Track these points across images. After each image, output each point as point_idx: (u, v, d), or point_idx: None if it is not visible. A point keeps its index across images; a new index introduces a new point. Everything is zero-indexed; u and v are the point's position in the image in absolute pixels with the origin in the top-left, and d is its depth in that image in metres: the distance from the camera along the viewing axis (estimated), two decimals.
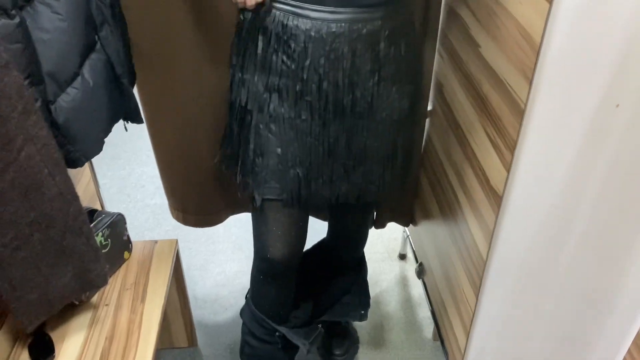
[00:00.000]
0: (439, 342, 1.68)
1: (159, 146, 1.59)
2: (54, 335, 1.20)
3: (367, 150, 1.22)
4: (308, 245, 1.56)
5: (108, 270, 1.24)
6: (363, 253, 1.64)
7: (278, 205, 1.23)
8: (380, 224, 1.79)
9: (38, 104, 1.04)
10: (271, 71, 1.13)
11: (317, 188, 1.23)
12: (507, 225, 1.08)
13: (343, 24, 1.08)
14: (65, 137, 1.12)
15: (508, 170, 1.03)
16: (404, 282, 1.91)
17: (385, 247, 2.06)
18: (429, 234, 1.67)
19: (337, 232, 1.56)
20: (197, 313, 1.77)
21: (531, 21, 0.92)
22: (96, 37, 1.18)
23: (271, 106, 1.15)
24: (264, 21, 1.12)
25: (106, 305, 1.28)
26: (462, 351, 1.36)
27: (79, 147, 1.15)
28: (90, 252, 1.15)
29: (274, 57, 1.12)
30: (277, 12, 1.10)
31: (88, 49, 1.15)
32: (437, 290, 1.60)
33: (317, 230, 1.61)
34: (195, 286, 1.90)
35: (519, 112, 0.96)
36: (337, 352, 1.64)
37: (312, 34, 1.08)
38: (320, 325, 1.54)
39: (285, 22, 1.09)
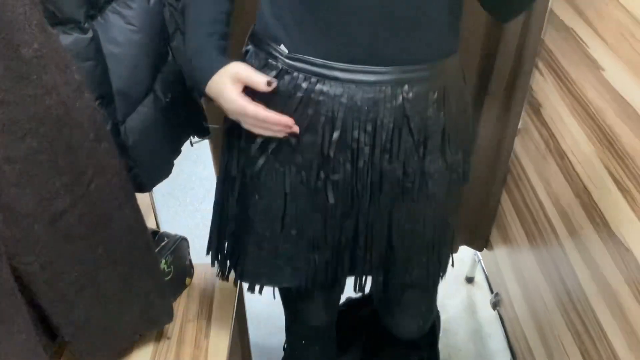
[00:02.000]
0: None
1: None
2: None
3: (410, 236, 0.99)
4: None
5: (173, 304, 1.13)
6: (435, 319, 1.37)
7: (299, 292, 1.07)
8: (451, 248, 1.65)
9: (108, 127, 0.93)
10: (288, 145, 0.91)
11: (346, 272, 1.03)
12: None
13: (383, 87, 0.86)
14: (133, 160, 1.01)
15: None
16: (471, 309, 1.78)
17: (450, 268, 1.92)
18: (509, 261, 1.53)
19: (384, 303, 1.24)
20: (252, 332, 1.67)
21: None
22: (168, 47, 1.06)
23: (287, 183, 0.93)
24: (280, 82, 0.88)
25: (168, 338, 1.18)
26: None
27: (148, 171, 1.04)
28: (157, 289, 1.04)
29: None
30: (296, 73, 0.87)
31: (160, 62, 1.03)
32: (518, 324, 1.46)
33: None
34: (249, 302, 1.79)
35: None
36: None
37: (344, 100, 0.86)
38: None
39: (306, 87, 0.86)
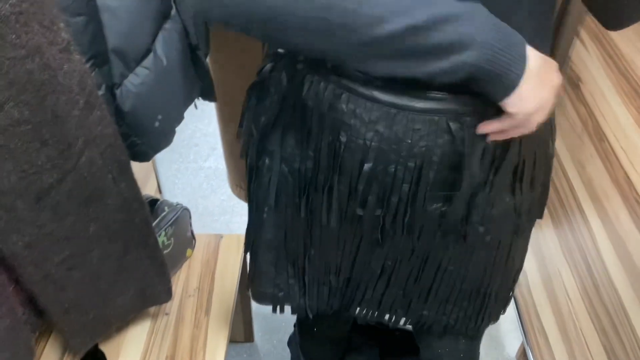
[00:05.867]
0: None
1: (228, 123, 1.38)
2: (107, 349, 1.04)
3: (448, 280, 0.81)
4: None
5: (172, 279, 1.06)
6: None
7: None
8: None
9: (102, 91, 0.83)
10: (309, 165, 0.73)
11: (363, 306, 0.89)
12: None
13: (436, 118, 0.63)
14: (131, 128, 0.91)
15: None
16: None
17: None
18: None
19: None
20: (254, 304, 1.61)
21: None
22: (172, 1, 0.94)
23: (303, 208, 0.77)
24: (299, 90, 0.69)
25: (166, 314, 1.11)
26: None
27: (147, 139, 0.95)
28: (154, 266, 0.97)
29: (313, 148, 0.71)
30: (322, 83, 0.66)
31: (162, 18, 0.92)
32: (533, 306, 1.40)
33: None
34: None
35: None
36: None
37: (380, 129, 0.65)
38: None
39: (334, 103, 0.66)
